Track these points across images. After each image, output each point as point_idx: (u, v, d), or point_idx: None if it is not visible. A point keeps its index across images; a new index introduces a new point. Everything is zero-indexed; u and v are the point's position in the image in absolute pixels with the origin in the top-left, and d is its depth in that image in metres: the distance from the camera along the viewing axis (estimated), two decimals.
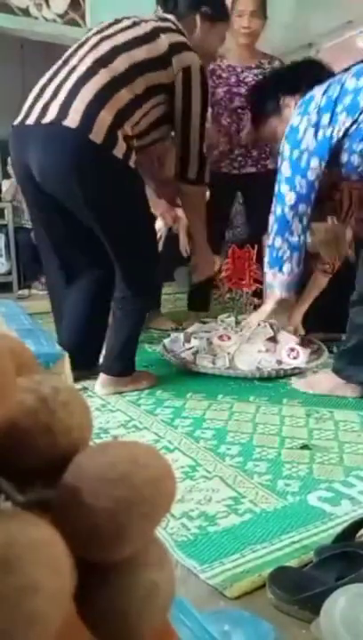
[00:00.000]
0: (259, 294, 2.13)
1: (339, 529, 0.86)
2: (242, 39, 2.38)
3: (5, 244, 3.63)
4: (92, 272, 1.69)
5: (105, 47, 1.47)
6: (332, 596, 0.66)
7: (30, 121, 1.47)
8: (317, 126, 1.40)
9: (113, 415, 1.46)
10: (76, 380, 1.65)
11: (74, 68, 1.46)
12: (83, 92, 1.42)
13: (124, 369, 1.64)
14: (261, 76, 2.41)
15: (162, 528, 0.90)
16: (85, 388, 1.65)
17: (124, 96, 1.45)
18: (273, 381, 1.73)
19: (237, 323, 2.00)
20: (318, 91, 1.44)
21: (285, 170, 1.48)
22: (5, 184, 3.72)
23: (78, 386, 1.65)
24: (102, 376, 1.64)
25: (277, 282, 1.66)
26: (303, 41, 4.32)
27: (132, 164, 1.48)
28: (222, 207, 2.61)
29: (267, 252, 1.61)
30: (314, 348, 1.93)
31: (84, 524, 0.19)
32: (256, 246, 2.03)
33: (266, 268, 1.65)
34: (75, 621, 0.21)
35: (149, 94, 1.51)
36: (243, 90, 2.42)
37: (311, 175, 1.43)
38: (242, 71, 2.44)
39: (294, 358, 1.81)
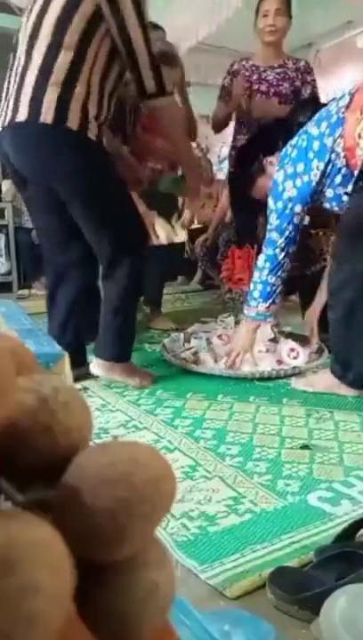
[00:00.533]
0: None
1: (339, 529, 0.86)
2: (267, 37, 2.38)
3: (5, 244, 3.63)
4: (74, 271, 1.70)
5: (31, 21, 1.46)
6: (332, 596, 0.66)
7: (0, 125, 1.52)
8: (294, 176, 1.54)
9: (113, 415, 1.46)
10: (76, 379, 1.65)
11: (19, 58, 1.48)
12: (27, 79, 1.43)
13: (111, 355, 1.66)
14: (282, 75, 2.41)
15: (162, 528, 0.90)
16: (85, 388, 1.66)
17: (64, 60, 1.40)
18: (273, 381, 1.73)
19: (237, 323, 2.00)
20: (288, 145, 1.60)
21: (273, 220, 1.63)
22: (5, 184, 3.71)
23: (78, 386, 1.65)
24: (95, 358, 1.69)
25: (261, 313, 1.74)
26: (303, 41, 4.32)
27: (92, 135, 1.45)
28: (242, 211, 2.51)
29: (256, 287, 1.71)
30: (314, 349, 1.93)
31: (84, 523, 0.19)
32: (256, 246, 2.03)
33: (252, 303, 1.74)
34: (75, 621, 0.21)
35: (88, 37, 1.41)
36: (263, 87, 2.41)
37: (297, 219, 1.60)
38: (264, 70, 2.43)
39: (294, 358, 1.81)
